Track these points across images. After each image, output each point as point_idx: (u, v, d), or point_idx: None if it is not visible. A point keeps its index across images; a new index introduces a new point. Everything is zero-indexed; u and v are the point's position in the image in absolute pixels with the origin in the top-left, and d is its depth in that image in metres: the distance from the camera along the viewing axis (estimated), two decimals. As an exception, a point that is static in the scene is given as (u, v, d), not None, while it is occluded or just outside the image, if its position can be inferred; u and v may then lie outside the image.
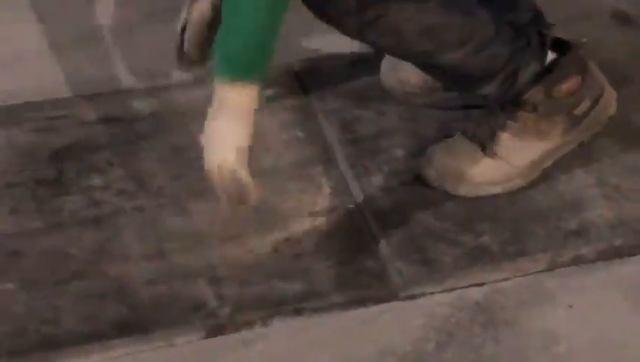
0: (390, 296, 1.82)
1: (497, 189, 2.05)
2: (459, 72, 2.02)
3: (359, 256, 1.89)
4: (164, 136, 2.10)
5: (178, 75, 2.28)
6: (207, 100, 1.97)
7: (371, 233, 1.94)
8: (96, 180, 2.01)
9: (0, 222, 1.93)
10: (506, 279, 1.85)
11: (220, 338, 1.74)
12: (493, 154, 2.03)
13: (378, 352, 1.73)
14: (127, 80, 2.32)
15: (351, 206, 2.00)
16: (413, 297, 1.82)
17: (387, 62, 2.29)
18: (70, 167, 2.04)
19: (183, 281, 1.82)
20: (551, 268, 1.88)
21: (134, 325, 1.74)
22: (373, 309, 1.80)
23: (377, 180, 2.05)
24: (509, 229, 1.94)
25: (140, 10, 2.58)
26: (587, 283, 1.86)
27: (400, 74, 2.29)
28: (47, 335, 1.71)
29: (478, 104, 2.14)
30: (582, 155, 2.11)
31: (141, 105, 2.21)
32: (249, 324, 1.76)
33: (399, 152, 2.12)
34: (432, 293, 1.82)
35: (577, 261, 1.89)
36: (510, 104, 2.06)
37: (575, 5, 2.60)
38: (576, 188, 2.04)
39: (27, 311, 1.76)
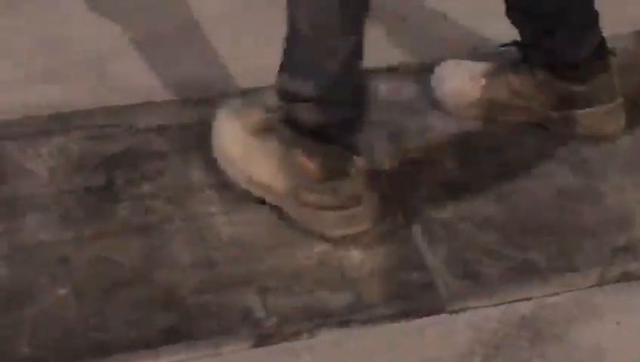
0: (437, 309, 1.81)
1: None
2: None
3: (406, 268, 1.89)
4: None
5: (226, 87, 2.29)
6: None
7: (418, 245, 1.93)
8: (146, 188, 2.03)
9: (51, 229, 1.94)
10: (553, 294, 1.85)
11: (266, 348, 1.74)
12: None
13: None
14: (177, 90, 2.33)
15: (398, 218, 2.00)
16: (459, 311, 1.82)
17: (438, 74, 2.25)
18: (120, 174, 2.06)
19: (231, 291, 1.82)
20: (599, 283, 1.87)
21: (182, 333, 1.74)
22: (420, 322, 1.80)
23: (423, 193, 2.05)
24: (556, 243, 1.94)
25: (185, 21, 2.58)
26: (636, 300, 1.86)
27: (453, 85, 2.25)
28: (96, 340, 1.72)
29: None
30: (631, 171, 2.11)
31: (191, 115, 2.22)
32: (296, 335, 1.76)
33: (446, 165, 2.11)
34: (478, 307, 1.82)
35: (626, 277, 1.88)
36: None
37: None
38: (626, 204, 2.04)
39: (77, 316, 1.77)
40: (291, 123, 1.90)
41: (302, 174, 1.89)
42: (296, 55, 1.88)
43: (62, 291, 1.81)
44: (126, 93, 2.31)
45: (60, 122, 2.19)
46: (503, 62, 2.21)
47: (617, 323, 1.80)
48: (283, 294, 1.82)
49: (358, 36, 1.85)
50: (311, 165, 1.87)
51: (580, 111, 2.16)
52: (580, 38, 2.13)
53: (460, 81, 2.21)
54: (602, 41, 2.15)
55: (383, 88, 2.30)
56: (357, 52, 1.87)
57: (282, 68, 1.90)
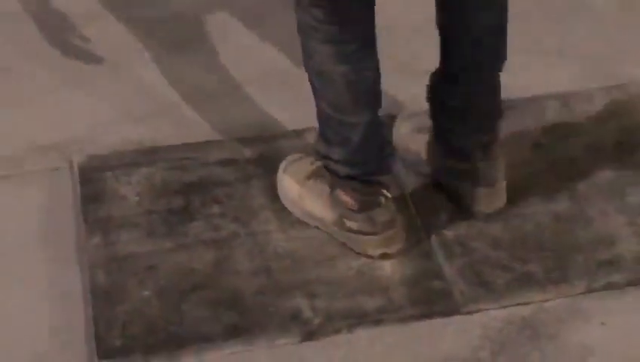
0: (453, 311, 1.85)
1: None
2: None
3: (428, 278, 1.92)
4: (271, 176, 2.10)
5: (281, 126, 2.34)
6: (306, 147, 2.09)
7: (437, 259, 1.96)
8: (216, 210, 2.06)
9: (139, 242, 1.99)
10: (549, 300, 1.87)
11: (312, 342, 1.79)
12: None
13: (443, 357, 1.76)
14: (240, 130, 2.33)
15: (421, 237, 2.02)
16: (471, 312, 1.85)
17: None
18: (195, 198, 2.09)
19: (284, 295, 1.87)
20: (587, 291, 1.88)
21: (242, 328, 1.80)
22: (439, 321, 1.83)
23: (443, 216, 2.07)
24: (552, 258, 1.95)
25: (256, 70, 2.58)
26: (618, 305, 1.86)
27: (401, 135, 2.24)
28: (173, 334, 1.78)
29: None
30: (615, 198, 2.10)
31: (252, 151, 2.24)
32: (337, 331, 1.80)
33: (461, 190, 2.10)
34: (487, 310, 1.85)
35: (609, 287, 1.89)
36: None
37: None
38: (610, 226, 2.02)
39: (158, 313, 1.83)
40: (330, 171, 1.95)
41: (344, 208, 1.92)
42: (324, 127, 1.94)
43: (146, 293, 1.87)
44: (199, 132, 2.33)
45: (146, 156, 2.22)
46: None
47: (602, 324, 1.81)
48: (327, 298, 1.86)
49: (373, 111, 1.90)
50: (349, 200, 1.91)
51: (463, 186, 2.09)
52: (477, 131, 2.04)
53: (408, 133, 2.21)
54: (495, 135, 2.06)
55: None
56: (373, 123, 1.90)
57: (318, 134, 1.98)
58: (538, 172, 2.20)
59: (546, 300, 1.87)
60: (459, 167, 2.03)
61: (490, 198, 2.05)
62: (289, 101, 2.41)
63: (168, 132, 2.33)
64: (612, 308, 1.86)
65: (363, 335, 1.81)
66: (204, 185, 2.13)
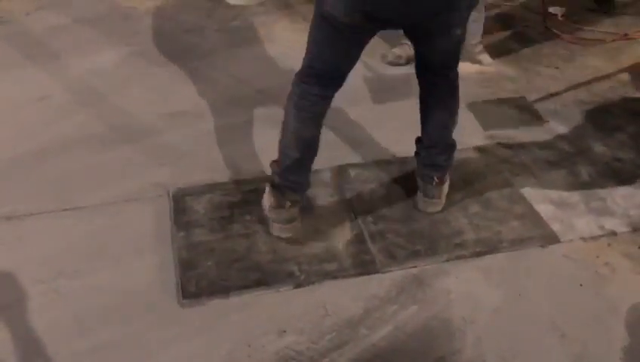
0: (375, 271, 1.84)
1: None
2: None
3: (362, 253, 1.89)
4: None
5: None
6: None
7: (367, 243, 1.92)
8: (247, 217, 2.01)
9: (204, 235, 1.95)
10: (427, 265, 1.88)
11: (299, 289, 1.78)
12: None
13: (371, 295, 1.75)
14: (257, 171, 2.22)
15: (360, 231, 1.95)
16: (385, 272, 1.85)
17: None
18: (236, 211, 2.05)
19: (284, 263, 1.85)
20: (447, 260, 1.89)
21: (262, 281, 1.80)
22: (368, 277, 1.81)
23: (371, 218, 2.00)
24: (429, 242, 1.94)
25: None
26: (464, 267, 1.87)
27: None
28: (224, 285, 1.78)
29: None
30: (462, 210, 2.05)
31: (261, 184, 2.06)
32: (312, 283, 1.79)
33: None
34: (394, 271, 1.85)
35: (460, 257, 1.90)
36: None
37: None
38: (460, 224, 2.01)
39: (215, 274, 1.81)
40: (270, 179, 1.91)
41: (270, 204, 1.89)
42: (279, 149, 1.87)
43: (209, 263, 1.85)
44: (233, 173, 2.24)
45: (208, 187, 2.16)
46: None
47: (456, 277, 1.83)
48: (306, 265, 1.84)
49: (301, 155, 1.83)
50: (272, 200, 1.88)
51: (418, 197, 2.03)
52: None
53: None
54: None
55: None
56: (300, 162, 1.85)
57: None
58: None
59: (426, 265, 1.88)
60: (420, 183, 2.02)
61: (428, 206, 2.02)
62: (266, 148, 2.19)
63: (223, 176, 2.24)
64: (461, 269, 1.88)
65: (326, 284, 1.82)
66: (240, 204, 2.10)
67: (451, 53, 1.83)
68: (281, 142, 1.87)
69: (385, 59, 2.93)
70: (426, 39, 1.77)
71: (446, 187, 2.04)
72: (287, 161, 1.85)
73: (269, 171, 1.99)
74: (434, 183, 1.98)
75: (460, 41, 1.79)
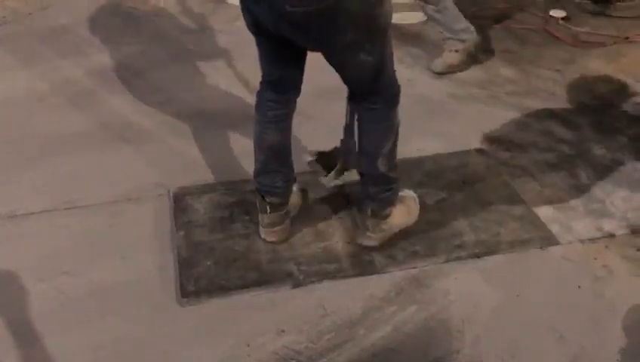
0: (375, 272, 1.85)
1: None
2: None
3: (361, 254, 1.88)
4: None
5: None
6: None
7: (371, 249, 1.90)
8: (246, 217, 2.01)
9: (204, 235, 1.94)
10: (426, 265, 1.87)
11: (298, 288, 1.78)
12: None
13: (369, 295, 1.75)
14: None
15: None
16: (385, 273, 1.84)
17: None
18: (235, 211, 2.06)
19: (283, 263, 1.85)
20: (446, 261, 1.89)
21: (260, 281, 1.80)
22: (367, 277, 1.81)
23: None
24: (428, 244, 1.94)
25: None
26: (463, 268, 1.87)
27: None
28: (223, 285, 1.78)
29: None
30: (463, 214, 2.04)
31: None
32: (312, 283, 1.79)
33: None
34: (393, 271, 1.85)
35: (459, 259, 1.90)
36: None
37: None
38: (460, 226, 2.01)
39: (214, 273, 1.82)
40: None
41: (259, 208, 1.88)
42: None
43: (208, 262, 1.87)
44: (233, 173, 2.21)
45: (209, 187, 2.16)
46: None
47: (455, 278, 1.84)
48: (306, 265, 1.85)
49: (264, 158, 1.81)
50: (257, 205, 1.88)
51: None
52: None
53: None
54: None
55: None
56: (265, 165, 1.82)
57: None
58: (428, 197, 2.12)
59: (425, 266, 1.88)
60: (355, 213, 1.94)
61: (360, 237, 1.91)
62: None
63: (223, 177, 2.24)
64: (460, 270, 1.88)
65: (326, 284, 1.82)
66: (240, 203, 2.09)
67: (364, 80, 1.65)
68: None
69: (435, 68, 2.87)
70: (327, 58, 1.61)
71: (385, 225, 1.87)
72: (256, 165, 1.86)
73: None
74: (368, 213, 1.84)
75: (373, 68, 1.60)
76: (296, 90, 1.78)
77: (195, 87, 2.76)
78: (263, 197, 1.87)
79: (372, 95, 1.70)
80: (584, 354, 1.62)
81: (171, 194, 2.14)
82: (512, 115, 2.62)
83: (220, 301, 1.76)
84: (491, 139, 2.46)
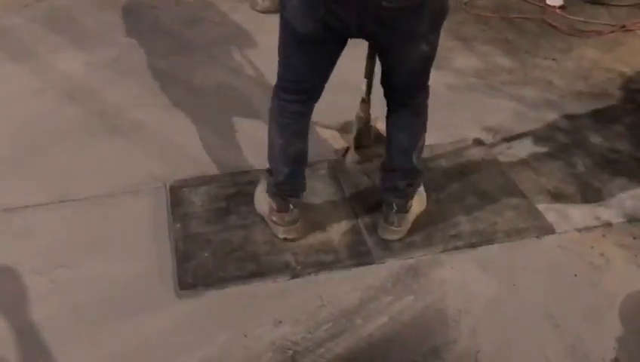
0: (371, 262, 1.83)
1: None
2: None
3: (358, 245, 1.88)
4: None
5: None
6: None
7: (364, 236, 1.91)
8: (244, 208, 2.00)
9: (201, 226, 1.93)
10: (422, 255, 1.87)
11: (296, 279, 1.78)
12: None
13: (367, 286, 1.75)
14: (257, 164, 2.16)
15: (356, 224, 1.94)
16: (381, 263, 1.84)
17: None
18: (232, 203, 2.04)
19: (280, 254, 1.85)
20: (443, 251, 1.89)
21: (258, 273, 1.79)
22: (364, 268, 1.82)
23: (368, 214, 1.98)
24: (425, 234, 1.93)
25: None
26: (459, 258, 1.87)
27: None
28: (220, 276, 1.77)
29: None
30: (459, 202, 2.05)
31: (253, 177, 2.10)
32: (309, 274, 1.79)
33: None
34: (390, 261, 1.85)
35: (455, 248, 1.89)
36: None
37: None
38: (456, 216, 1.99)
39: (212, 265, 1.81)
40: (269, 187, 1.86)
41: (271, 208, 1.87)
42: (268, 161, 1.85)
43: (205, 254, 1.85)
44: (230, 165, 2.20)
45: (206, 180, 2.14)
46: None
47: (451, 268, 1.83)
48: (303, 256, 1.85)
49: (291, 168, 1.79)
50: (273, 205, 1.86)
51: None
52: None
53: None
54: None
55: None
56: (289, 176, 1.81)
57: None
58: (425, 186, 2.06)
59: (421, 256, 1.88)
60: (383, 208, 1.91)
61: (386, 232, 1.90)
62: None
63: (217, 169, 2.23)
64: (457, 260, 1.87)
65: (323, 275, 1.82)
66: (237, 195, 2.09)
67: (416, 72, 1.67)
68: (270, 157, 1.84)
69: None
70: (388, 53, 1.62)
71: (410, 216, 1.90)
72: (280, 177, 1.82)
73: (265, 164, 1.95)
74: (394, 209, 1.85)
75: (427, 58, 1.63)
76: (318, 97, 1.76)
77: (193, 79, 2.75)
78: (283, 198, 1.86)
79: (418, 90, 1.73)
80: (581, 342, 1.63)
81: (168, 187, 2.12)
82: (509, 104, 2.62)
83: (218, 292, 1.75)
84: (488, 128, 2.46)
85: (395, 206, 1.86)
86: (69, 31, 3.12)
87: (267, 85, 2.56)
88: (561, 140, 2.39)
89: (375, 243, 1.92)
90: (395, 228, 1.89)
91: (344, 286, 1.78)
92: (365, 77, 2.00)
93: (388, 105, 1.79)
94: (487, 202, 2.07)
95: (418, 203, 1.96)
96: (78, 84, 2.72)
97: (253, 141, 2.29)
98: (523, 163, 2.27)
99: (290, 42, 1.60)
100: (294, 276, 1.81)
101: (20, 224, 2.00)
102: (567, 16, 3.28)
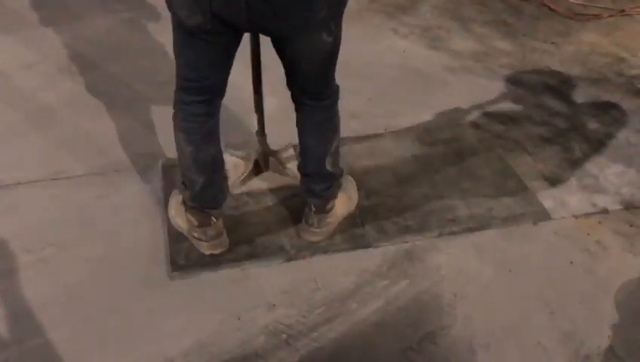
0: (367, 246, 1.82)
1: None
2: None
3: (354, 228, 1.86)
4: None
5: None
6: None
7: (358, 219, 1.89)
8: (239, 190, 1.96)
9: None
10: (418, 240, 1.85)
11: (290, 262, 1.75)
12: None
13: (361, 269, 1.74)
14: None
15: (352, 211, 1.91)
16: (377, 247, 1.83)
17: None
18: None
19: (275, 237, 1.82)
20: (439, 236, 1.87)
21: (253, 255, 1.76)
22: (360, 251, 1.80)
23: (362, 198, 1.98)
24: (421, 218, 1.91)
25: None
26: (455, 243, 1.85)
27: None
28: (214, 258, 1.75)
29: None
30: (455, 186, 2.02)
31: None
32: (303, 257, 1.77)
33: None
34: (385, 245, 1.83)
35: (451, 233, 1.88)
36: None
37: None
38: (452, 200, 1.99)
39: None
40: (185, 201, 1.73)
41: (191, 224, 1.72)
42: (180, 172, 1.70)
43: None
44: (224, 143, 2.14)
45: None
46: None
47: (448, 253, 1.81)
48: (297, 239, 1.81)
49: (207, 176, 1.66)
50: (193, 220, 1.71)
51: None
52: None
53: None
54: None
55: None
56: (209, 181, 1.68)
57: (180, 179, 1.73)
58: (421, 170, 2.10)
59: (417, 240, 1.87)
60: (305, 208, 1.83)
61: (306, 233, 1.83)
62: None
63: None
64: (453, 244, 1.86)
65: (317, 258, 1.80)
66: None
67: (319, 67, 1.55)
68: (181, 167, 1.68)
69: None
70: (286, 48, 1.49)
71: (330, 218, 1.81)
72: (196, 187, 1.68)
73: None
74: (312, 211, 1.78)
75: (331, 52, 1.52)
76: (223, 95, 1.63)
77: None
78: (203, 211, 1.72)
79: (324, 87, 1.62)
80: (575, 329, 1.62)
81: (161, 166, 2.09)
82: (507, 87, 2.59)
83: (211, 274, 1.73)
84: (485, 112, 2.44)
85: (313, 207, 1.78)
86: (63, 3, 3.07)
87: (265, 60, 2.55)
88: (559, 125, 2.37)
89: (370, 227, 1.90)
90: (314, 230, 1.81)
91: (339, 269, 1.76)
92: (255, 112, 1.88)
93: (296, 109, 1.68)
94: (483, 187, 2.06)
95: (344, 204, 1.87)
96: (72, 58, 2.67)
97: (250, 118, 2.19)
98: (520, 147, 2.24)
99: (181, 37, 1.46)
100: (289, 259, 1.79)
101: (11, 201, 1.96)
102: (567, -1, 3.24)
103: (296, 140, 1.76)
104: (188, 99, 1.58)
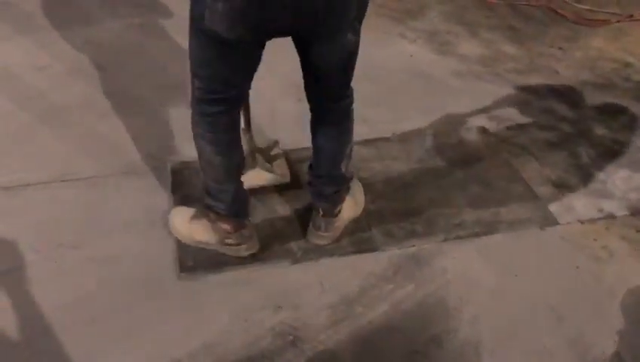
0: (374, 249, 1.82)
1: None
2: None
3: (360, 232, 1.86)
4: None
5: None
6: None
7: (364, 223, 1.89)
8: None
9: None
10: (424, 244, 1.85)
11: (297, 265, 1.75)
12: None
13: (368, 272, 1.72)
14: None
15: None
16: (384, 250, 1.80)
17: None
18: None
19: (282, 241, 1.82)
20: (445, 240, 1.87)
21: (260, 257, 1.77)
22: (366, 255, 1.78)
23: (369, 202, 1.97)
24: (427, 222, 1.91)
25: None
26: (461, 247, 1.85)
27: None
28: (221, 260, 1.75)
29: None
30: (461, 191, 2.02)
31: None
32: (309, 260, 1.76)
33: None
34: (392, 249, 1.82)
35: (458, 238, 1.87)
36: None
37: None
38: (459, 204, 1.98)
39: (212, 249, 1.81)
40: (213, 211, 1.71)
41: (224, 231, 1.71)
42: (207, 185, 1.68)
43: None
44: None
45: None
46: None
47: (454, 257, 1.81)
48: (304, 243, 1.82)
49: (237, 183, 1.67)
50: (228, 227, 1.71)
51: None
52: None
53: None
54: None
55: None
56: (238, 191, 1.68)
57: (205, 191, 1.70)
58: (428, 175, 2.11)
59: (423, 244, 1.86)
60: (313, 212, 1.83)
61: (313, 237, 1.83)
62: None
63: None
64: (459, 249, 1.86)
65: (324, 261, 1.80)
66: None
67: (342, 67, 1.54)
68: (208, 180, 1.67)
69: None
70: (314, 49, 1.47)
71: (338, 222, 1.81)
72: (227, 197, 1.67)
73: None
74: (320, 214, 1.78)
75: (353, 52, 1.51)
76: (243, 101, 1.65)
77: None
78: (239, 218, 1.73)
79: (345, 88, 1.62)
80: (582, 334, 1.61)
81: (169, 168, 2.10)
82: (514, 92, 2.58)
83: (218, 276, 1.73)
84: (493, 116, 2.43)
85: (321, 210, 1.78)
86: (74, 7, 3.08)
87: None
88: (566, 130, 2.36)
89: (377, 230, 1.89)
90: (322, 234, 1.81)
91: (345, 273, 1.75)
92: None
93: (313, 113, 1.67)
94: (490, 191, 2.05)
95: (351, 208, 1.87)
96: (82, 61, 2.68)
97: (257, 122, 2.21)
98: (527, 152, 2.24)
99: (214, 51, 1.43)
100: (295, 261, 1.79)
101: (20, 202, 1.97)
102: (574, 4, 3.23)
103: (308, 142, 1.75)
104: (210, 110, 1.54)
